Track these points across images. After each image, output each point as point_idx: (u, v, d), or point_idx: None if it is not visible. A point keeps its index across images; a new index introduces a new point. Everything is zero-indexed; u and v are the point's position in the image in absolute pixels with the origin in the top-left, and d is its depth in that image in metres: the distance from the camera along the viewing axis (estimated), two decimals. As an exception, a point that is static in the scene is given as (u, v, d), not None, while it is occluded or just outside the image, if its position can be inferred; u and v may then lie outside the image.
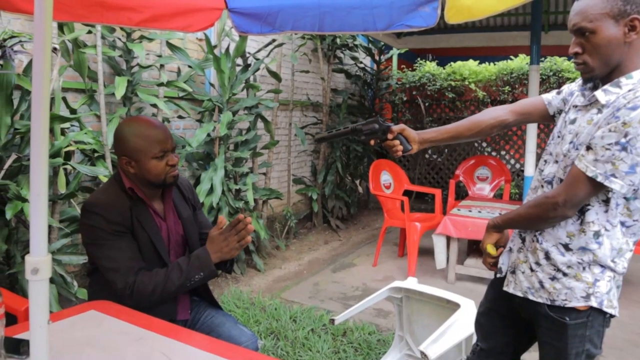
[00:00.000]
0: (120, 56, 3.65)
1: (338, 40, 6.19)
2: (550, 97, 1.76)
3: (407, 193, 5.50)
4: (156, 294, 1.77)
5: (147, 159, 1.83)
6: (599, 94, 1.46)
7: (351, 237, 6.05)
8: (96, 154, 3.30)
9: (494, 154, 7.24)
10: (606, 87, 1.45)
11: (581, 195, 1.43)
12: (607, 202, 1.45)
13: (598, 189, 1.42)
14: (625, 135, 1.33)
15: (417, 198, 7.31)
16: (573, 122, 1.54)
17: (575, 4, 1.47)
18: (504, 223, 1.69)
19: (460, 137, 1.83)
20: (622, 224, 1.47)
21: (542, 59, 6.76)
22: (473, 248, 4.82)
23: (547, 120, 1.80)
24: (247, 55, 4.70)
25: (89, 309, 1.70)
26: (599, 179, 1.37)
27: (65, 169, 3.04)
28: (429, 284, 2.87)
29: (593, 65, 1.45)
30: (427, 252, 4.97)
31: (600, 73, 1.47)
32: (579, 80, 1.62)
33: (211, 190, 4.13)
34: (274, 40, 4.98)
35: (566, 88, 1.73)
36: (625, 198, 1.45)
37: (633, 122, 1.32)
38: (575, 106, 1.58)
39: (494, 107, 1.86)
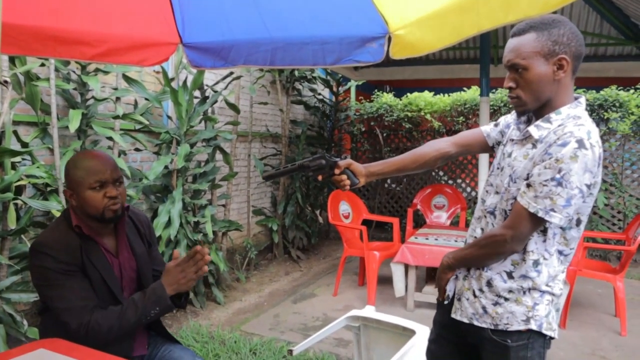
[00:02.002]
0: (75, 89, 3.61)
1: (296, 73, 6.27)
2: (489, 130, 1.86)
3: (367, 222, 5.56)
4: (112, 332, 1.74)
5: (83, 190, 1.80)
6: (532, 129, 1.55)
7: (312, 268, 6.05)
8: (49, 188, 3.24)
9: (450, 182, 7.40)
10: (538, 122, 1.55)
11: (526, 230, 1.50)
12: (544, 232, 1.54)
13: (540, 223, 1.50)
14: (559, 171, 1.41)
15: (377, 227, 7.38)
16: (510, 155, 1.63)
17: (509, 42, 1.56)
18: (458, 263, 1.73)
19: (405, 170, 1.89)
20: (560, 252, 1.56)
21: (493, 90, 7.00)
22: (431, 275, 4.88)
23: (487, 151, 1.89)
24: (205, 87, 4.72)
25: (38, 347, 1.64)
26: (540, 214, 1.45)
27: (15, 204, 2.96)
28: (389, 312, 2.90)
29: (525, 100, 1.54)
30: (387, 281, 4.99)
31: (532, 107, 1.56)
32: (515, 113, 1.71)
33: (169, 223, 4.08)
34: (232, 73, 5.02)
35: (503, 120, 1.83)
36: (561, 228, 1.53)
37: (564, 159, 1.41)
38: (512, 140, 1.67)
39: (437, 139, 1.94)
